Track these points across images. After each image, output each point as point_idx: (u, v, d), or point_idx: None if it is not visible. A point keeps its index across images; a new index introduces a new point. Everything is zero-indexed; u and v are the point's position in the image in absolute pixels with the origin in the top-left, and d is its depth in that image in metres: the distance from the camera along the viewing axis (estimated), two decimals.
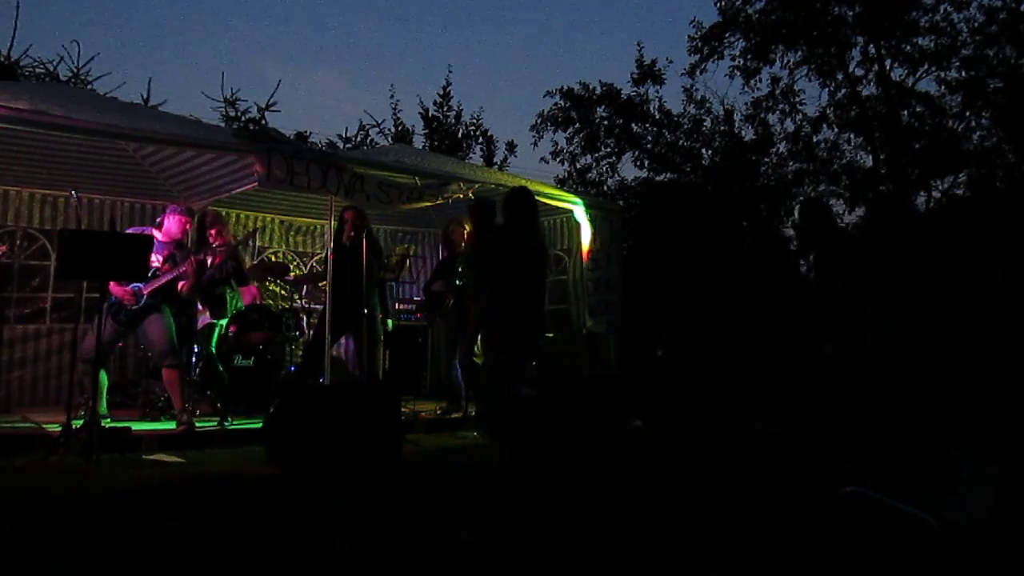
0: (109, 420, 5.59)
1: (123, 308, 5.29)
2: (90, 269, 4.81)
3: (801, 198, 17.36)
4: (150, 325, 5.33)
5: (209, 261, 5.90)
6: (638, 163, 18.72)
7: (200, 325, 6.37)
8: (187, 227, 5.66)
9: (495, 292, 4.54)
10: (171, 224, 5.58)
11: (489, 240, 4.77)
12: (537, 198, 7.04)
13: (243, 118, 12.48)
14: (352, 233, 6.14)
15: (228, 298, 6.42)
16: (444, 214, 8.86)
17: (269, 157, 5.39)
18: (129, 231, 5.96)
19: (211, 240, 6.14)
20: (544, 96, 18.61)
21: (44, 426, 5.00)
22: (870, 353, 4.52)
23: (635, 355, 7.53)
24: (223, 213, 7.01)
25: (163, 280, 5.32)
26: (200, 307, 6.36)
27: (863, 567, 2.86)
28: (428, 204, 7.24)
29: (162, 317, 5.36)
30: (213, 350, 6.20)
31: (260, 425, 5.14)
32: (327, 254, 6.17)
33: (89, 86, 11.25)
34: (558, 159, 19.10)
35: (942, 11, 15.23)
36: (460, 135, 16.44)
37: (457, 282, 6.67)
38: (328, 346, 5.98)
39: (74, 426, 4.57)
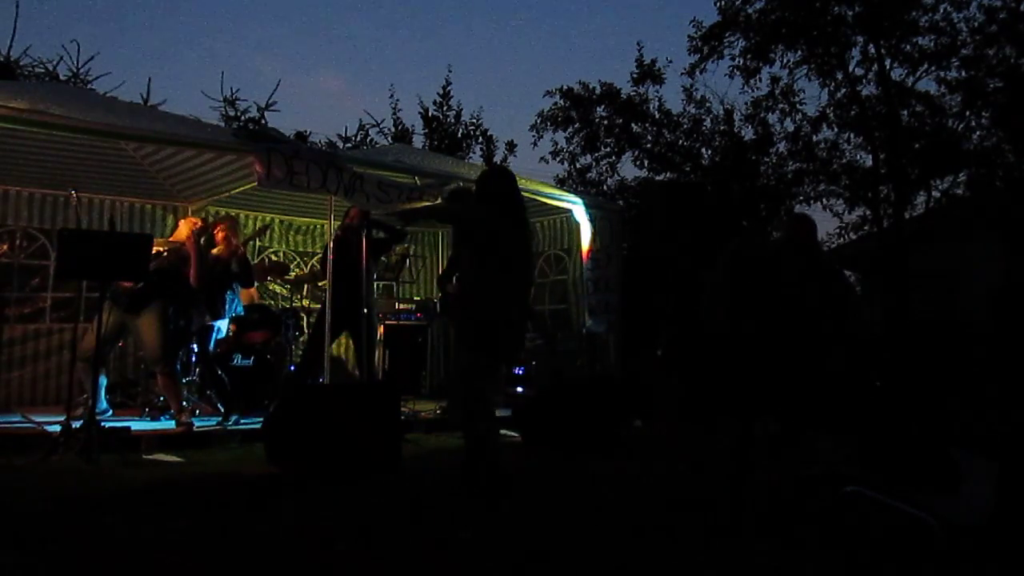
0: (111, 412, 5.60)
1: (124, 293, 5.30)
2: (89, 268, 4.82)
3: (800, 198, 17.38)
4: (144, 325, 5.33)
5: (215, 254, 5.95)
6: (638, 163, 18.72)
7: (198, 327, 6.36)
8: (195, 227, 5.71)
9: (477, 280, 3.95)
10: (180, 226, 5.79)
11: (480, 217, 4.02)
12: (536, 197, 7.10)
13: (243, 118, 12.50)
14: (348, 227, 6.20)
15: (228, 301, 6.41)
16: None
17: (269, 157, 5.39)
18: None
19: (218, 238, 6.14)
20: (544, 96, 18.62)
21: (44, 426, 4.99)
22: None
23: (635, 355, 7.54)
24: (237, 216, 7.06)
25: (163, 260, 5.39)
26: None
27: (863, 567, 2.86)
28: (428, 204, 7.23)
29: (158, 317, 5.36)
30: (210, 352, 6.18)
31: (260, 425, 5.13)
32: (326, 252, 6.16)
33: (89, 86, 11.26)
34: (558, 159, 19.11)
35: (942, 11, 15.19)
36: (460, 135, 16.46)
37: None
38: (328, 345, 5.97)
39: (74, 426, 4.57)
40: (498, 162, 16.33)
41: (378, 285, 8.28)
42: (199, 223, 5.81)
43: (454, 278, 6.44)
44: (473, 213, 4.12)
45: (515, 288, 3.97)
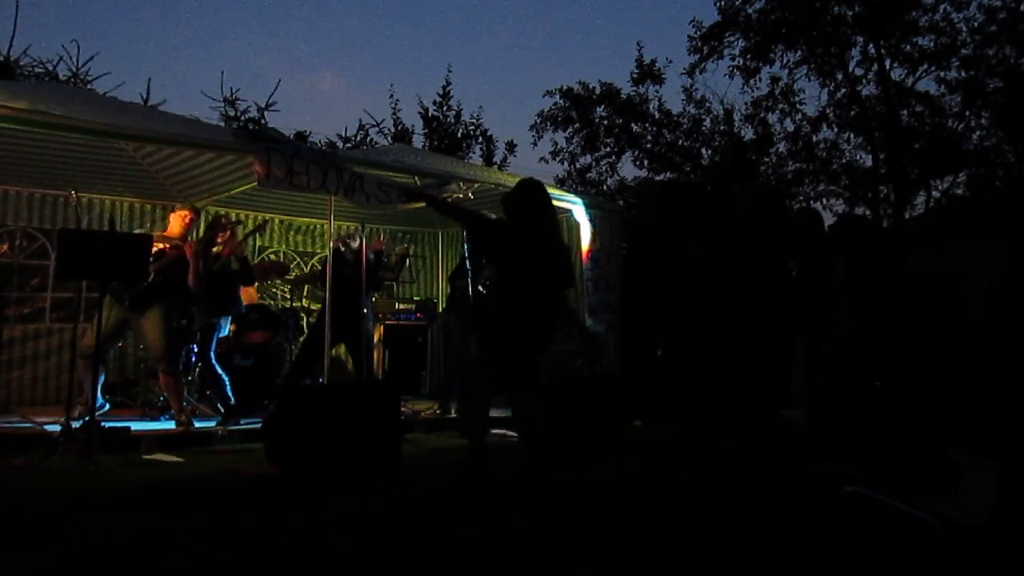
0: (107, 408, 5.59)
1: (127, 291, 5.29)
2: (89, 268, 4.81)
3: (801, 198, 17.39)
4: (148, 323, 5.33)
5: (215, 252, 5.93)
6: (638, 163, 18.77)
7: (200, 326, 6.34)
8: (186, 220, 5.68)
9: (494, 286, 4.29)
10: (171, 221, 5.74)
11: (504, 231, 4.21)
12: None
13: (243, 118, 12.49)
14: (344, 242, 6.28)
15: (233, 298, 6.39)
16: None
17: (268, 157, 5.39)
18: None
19: (218, 242, 6.12)
20: (544, 96, 18.64)
21: (44, 426, 4.99)
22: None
23: (635, 355, 7.52)
24: (233, 217, 7.04)
25: (165, 260, 5.37)
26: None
27: (863, 567, 2.86)
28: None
29: (161, 315, 5.35)
30: (212, 351, 6.17)
31: (260, 425, 5.13)
32: (329, 256, 6.18)
33: (89, 86, 11.25)
34: (558, 159, 19.15)
35: (942, 11, 15.23)
36: (460, 135, 16.45)
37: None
38: (327, 348, 5.96)
39: (74, 426, 4.57)
40: (499, 161, 16.34)
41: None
42: (190, 215, 5.73)
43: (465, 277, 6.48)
44: (490, 227, 4.39)
45: (535, 293, 4.08)
